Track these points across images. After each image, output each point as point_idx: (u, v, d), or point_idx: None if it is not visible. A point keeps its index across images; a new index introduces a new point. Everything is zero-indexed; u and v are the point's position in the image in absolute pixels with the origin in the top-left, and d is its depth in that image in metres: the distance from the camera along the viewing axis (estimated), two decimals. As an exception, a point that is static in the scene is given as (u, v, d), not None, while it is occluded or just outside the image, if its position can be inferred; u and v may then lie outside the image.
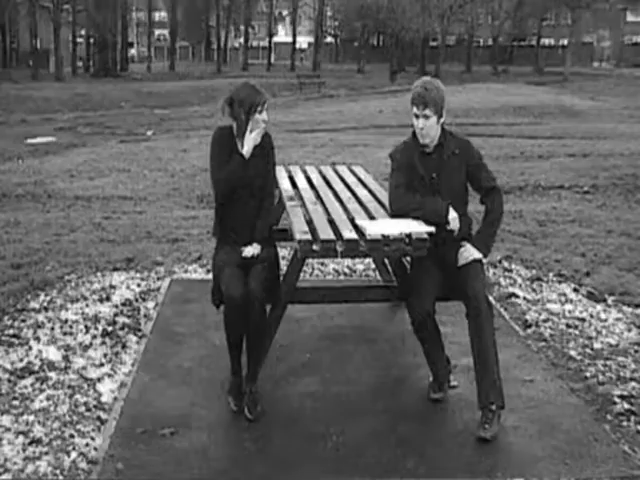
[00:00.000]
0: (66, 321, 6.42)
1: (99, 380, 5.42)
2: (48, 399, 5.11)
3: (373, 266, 7.58)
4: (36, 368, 5.55)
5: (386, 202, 5.46)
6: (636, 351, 5.99)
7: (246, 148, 5.28)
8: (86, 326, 6.32)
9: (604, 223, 10.32)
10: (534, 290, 7.44)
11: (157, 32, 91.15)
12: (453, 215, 5.02)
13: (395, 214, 5.14)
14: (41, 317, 6.51)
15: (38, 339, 6.04)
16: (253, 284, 4.94)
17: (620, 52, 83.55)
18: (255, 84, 5.38)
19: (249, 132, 5.30)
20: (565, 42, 72.26)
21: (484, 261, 5.18)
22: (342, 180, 6.71)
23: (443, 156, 5.10)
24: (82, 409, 5.00)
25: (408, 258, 5.32)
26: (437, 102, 5.02)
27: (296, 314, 6.25)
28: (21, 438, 4.62)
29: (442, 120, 5.10)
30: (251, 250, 5.21)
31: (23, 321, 6.43)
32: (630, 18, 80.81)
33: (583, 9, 65.40)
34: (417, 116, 5.06)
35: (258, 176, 5.31)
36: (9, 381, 5.35)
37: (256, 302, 4.90)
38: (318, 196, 6.05)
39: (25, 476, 4.26)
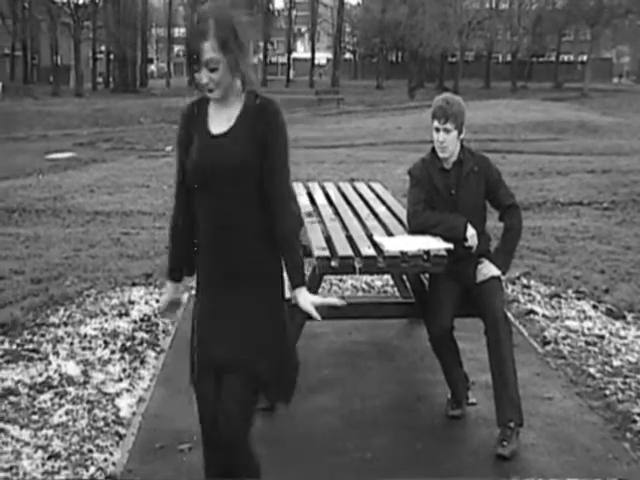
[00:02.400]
0: (85, 336, 6.45)
1: (118, 395, 5.43)
2: (67, 414, 5.12)
3: (391, 282, 7.57)
4: (55, 383, 5.57)
5: (404, 219, 5.47)
6: (656, 369, 5.96)
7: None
8: (105, 341, 6.35)
9: (623, 239, 10.28)
10: (553, 307, 7.41)
11: (176, 48, 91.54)
12: (471, 232, 5.02)
13: (413, 230, 5.15)
14: (60, 332, 6.54)
15: (57, 354, 6.06)
16: (226, 419, 3.38)
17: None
18: (209, 8, 3.24)
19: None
20: (584, 58, 72.19)
21: (502, 278, 5.18)
22: (360, 197, 6.72)
23: (462, 173, 5.11)
24: (101, 424, 5.01)
25: (426, 274, 5.32)
26: (458, 116, 5.03)
27: (314, 330, 6.24)
28: (40, 452, 4.63)
29: (462, 136, 5.11)
30: (307, 305, 3.32)
31: (42, 336, 6.46)
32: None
33: (602, 25, 65.38)
34: (437, 129, 5.06)
35: (237, 165, 3.24)
36: (28, 395, 5.37)
37: (233, 446, 3.43)
38: (336, 212, 6.06)
39: (44, 491, 4.28)
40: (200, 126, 3.36)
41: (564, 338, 6.60)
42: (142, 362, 6.00)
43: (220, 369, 3.42)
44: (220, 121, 3.33)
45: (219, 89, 3.24)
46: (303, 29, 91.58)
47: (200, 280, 3.49)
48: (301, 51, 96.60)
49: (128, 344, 6.30)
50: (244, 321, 3.37)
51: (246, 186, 3.28)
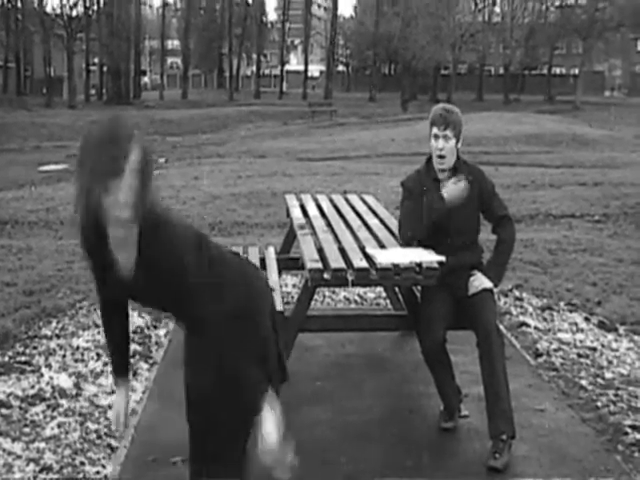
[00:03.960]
0: (78, 348, 6.44)
1: (110, 407, 5.41)
2: (59, 426, 5.11)
3: (384, 294, 7.58)
4: (47, 395, 5.56)
5: (396, 231, 5.49)
6: (648, 381, 5.98)
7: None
8: (97, 353, 6.34)
9: (615, 252, 10.30)
10: (545, 319, 7.43)
11: (170, 60, 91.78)
12: (446, 189, 5.04)
13: (404, 241, 5.17)
14: (53, 344, 6.53)
15: (49, 366, 6.05)
16: None
17: (632, 81, 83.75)
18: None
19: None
20: (576, 71, 72.50)
21: (495, 290, 5.19)
22: (353, 209, 6.73)
23: (456, 181, 5.12)
24: (93, 436, 5.00)
25: (419, 287, 5.33)
26: (457, 125, 5.06)
27: (306, 342, 6.25)
28: (32, 465, 4.62)
29: (459, 146, 5.13)
30: None
31: (35, 348, 6.45)
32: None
33: (594, 38, 65.70)
34: (437, 136, 5.06)
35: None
36: (20, 408, 5.36)
37: None
38: (329, 224, 6.07)
39: (35, 503, 4.26)
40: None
41: (556, 350, 6.61)
42: (134, 374, 5.99)
43: None
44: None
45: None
46: (296, 41, 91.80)
47: None
48: (294, 63, 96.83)
49: (120, 356, 6.29)
50: None
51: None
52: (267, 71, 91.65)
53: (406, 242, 5.19)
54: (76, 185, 2.80)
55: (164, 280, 3.00)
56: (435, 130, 5.08)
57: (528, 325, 7.21)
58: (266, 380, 3.18)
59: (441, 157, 5.10)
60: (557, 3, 74.50)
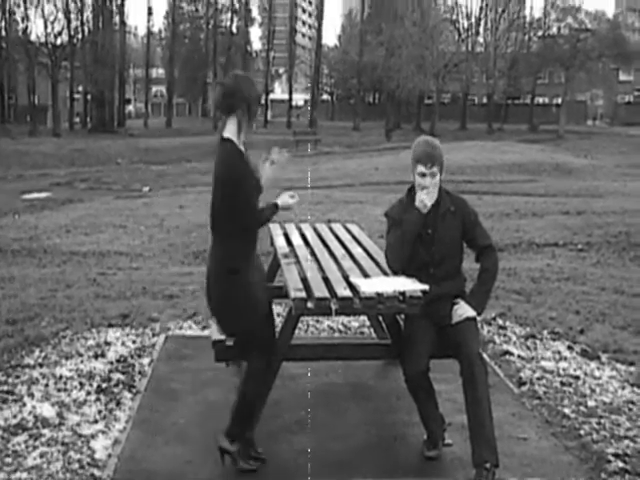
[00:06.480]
0: (60, 377, 6.41)
1: (93, 437, 5.39)
2: (41, 456, 5.08)
3: (368, 323, 7.58)
4: (30, 425, 5.53)
5: (380, 260, 5.52)
6: (630, 409, 5.99)
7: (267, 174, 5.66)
8: (80, 382, 6.31)
9: (598, 280, 10.35)
10: (528, 348, 7.44)
11: (154, 88, 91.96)
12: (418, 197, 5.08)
13: (393, 268, 5.19)
14: (35, 373, 6.50)
15: (32, 395, 6.02)
16: None
17: (613, 110, 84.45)
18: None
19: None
20: (559, 100, 73.05)
21: (478, 319, 5.20)
22: (337, 238, 6.74)
23: (438, 212, 5.15)
24: (76, 466, 4.98)
25: (402, 315, 5.34)
26: (441, 160, 5.11)
27: (290, 371, 6.24)
28: (14, 496, 4.59)
29: (441, 177, 5.18)
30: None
31: (17, 377, 6.42)
32: (622, 77, 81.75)
33: (576, 68, 66.28)
34: (424, 174, 5.09)
35: None
36: (2, 438, 5.33)
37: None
38: (313, 254, 6.08)
39: (17, 534, 4.23)
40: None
41: (539, 379, 6.63)
42: (118, 403, 5.97)
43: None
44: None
45: None
46: (281, 70, 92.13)
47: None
48: (278, 92, 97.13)
49: (104, 385, 6.27)
50: None
51: None
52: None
53: (394, 271, 5.22)
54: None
55: None
56: (422, 168, 5.10)
57: (511, 353, 7.23)
58: None
59: (428, 193, 5.13)
60: (539, 33, 75.09)
